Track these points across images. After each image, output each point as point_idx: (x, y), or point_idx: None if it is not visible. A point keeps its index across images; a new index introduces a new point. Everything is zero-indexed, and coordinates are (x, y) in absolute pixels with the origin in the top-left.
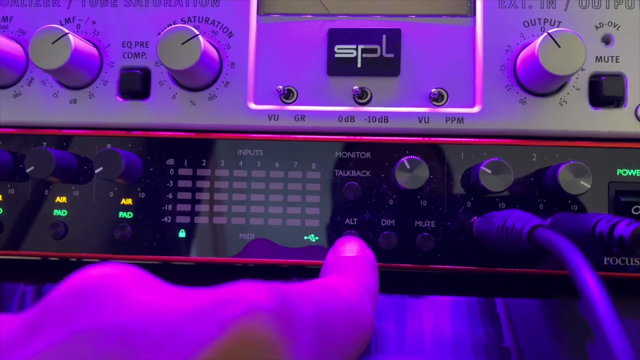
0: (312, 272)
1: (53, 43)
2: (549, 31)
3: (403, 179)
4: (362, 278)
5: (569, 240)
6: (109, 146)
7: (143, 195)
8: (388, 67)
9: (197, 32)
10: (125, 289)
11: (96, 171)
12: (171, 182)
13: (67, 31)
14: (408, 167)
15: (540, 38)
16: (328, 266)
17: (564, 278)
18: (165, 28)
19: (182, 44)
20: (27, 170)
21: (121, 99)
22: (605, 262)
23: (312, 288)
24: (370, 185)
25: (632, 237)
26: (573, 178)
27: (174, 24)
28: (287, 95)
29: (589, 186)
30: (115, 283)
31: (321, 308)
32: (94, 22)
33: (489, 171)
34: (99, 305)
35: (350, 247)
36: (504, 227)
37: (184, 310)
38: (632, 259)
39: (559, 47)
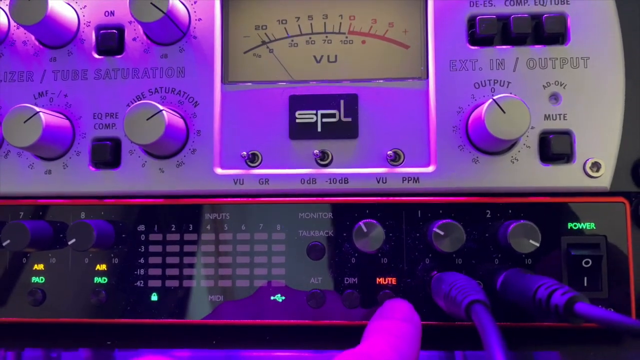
0: (283, 331)
1: (25, 122)
2: (495, 97)
3: (360, 242)
4: (402, 346)
5: (496, 327)
6: (82, 215)
7: (116, 260)
8: (347, 130)
9: (162, 108)
10: None
11: (69, 243)
12: (142, 247)
13: (38, 110)
14: (365, 230)
15: (487, 104)
16: (371, 328)
17: (520, 330)
18: (133, 99)
19: (147, 119)
20: (4, 244)
21: (93, 169)
22: None
23: None
24: (332, 244)
25: (565, 307)
26: (522, 238)
27: (142, 95)
28: (252, 159)
29: (538, 245)
30: None
31: None
32: (65, 95)
33: (442, 233)
34: None
35: (397, 310)
36: (449, 295)
37: None
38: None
39: (504, 112)
